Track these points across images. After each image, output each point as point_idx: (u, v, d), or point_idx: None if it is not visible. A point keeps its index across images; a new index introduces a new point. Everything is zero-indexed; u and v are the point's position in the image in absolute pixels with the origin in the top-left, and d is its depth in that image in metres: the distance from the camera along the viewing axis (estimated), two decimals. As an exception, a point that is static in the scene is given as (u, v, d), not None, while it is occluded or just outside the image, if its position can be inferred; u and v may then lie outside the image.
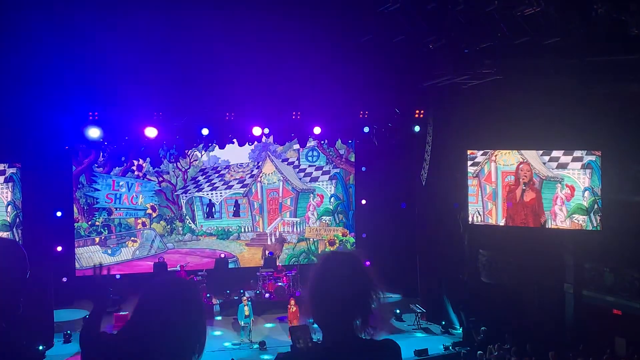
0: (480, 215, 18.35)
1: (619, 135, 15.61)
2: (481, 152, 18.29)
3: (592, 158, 16.62)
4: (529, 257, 17.47)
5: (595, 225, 16.64)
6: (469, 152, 18.46)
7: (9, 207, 16.13)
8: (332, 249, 23.58)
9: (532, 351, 15.42)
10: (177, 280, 2.73)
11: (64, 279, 20.04)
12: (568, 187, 17.07)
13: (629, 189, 16.03)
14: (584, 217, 16.84)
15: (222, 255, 22.49)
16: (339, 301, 2.76)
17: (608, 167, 16.35)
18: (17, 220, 16.32)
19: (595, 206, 16.60)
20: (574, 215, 17.02)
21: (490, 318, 17.31)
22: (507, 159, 17.94)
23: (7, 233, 15.95)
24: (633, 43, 12.18)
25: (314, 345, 2.98)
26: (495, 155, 18.12)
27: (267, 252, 22.76)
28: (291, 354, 3.48)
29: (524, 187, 17.80)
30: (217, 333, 17.81)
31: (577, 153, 16.91)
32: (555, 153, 17.29)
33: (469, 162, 18.41)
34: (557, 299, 17.54)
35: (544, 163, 17.39)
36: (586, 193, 16.76)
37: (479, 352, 15.72)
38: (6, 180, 16.13)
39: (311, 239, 23.75)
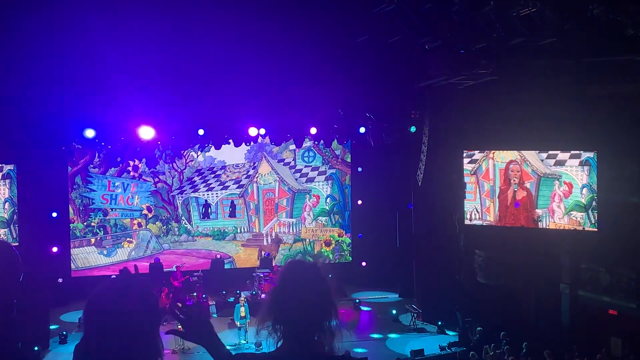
0: (478, 212, 18.36)
1: (614, 135, 15.62)
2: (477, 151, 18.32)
3: (590, 155, 16.61)
4: (525, 257, 17.47)
5: (593, 222, 16.65)
6: (465, 152, 18.47)
7: (7, 203, 16.12)
8: (328, 249, 23.61)
9: (528, 351, 15.44)
10: (120, 283, 2.52)
11: (60, 280, 20.02)
12: (566, 184, 17.08)
13: (625, 190, 16.03)
14: (582, 214, 16.85)
15: (218, 256, 22.46)
16: (299, 312, 2.71)
17: (604, 167, 16.36)
18: (15, 217, 16.30)
19: (594, 203, 16.60)
20: (571, 212, 17.04)
21: (486, 318, 17.33)
22: (505, 156, 17.95)
23: (4, 230, 15.94)
24: (629, 43, 12.18)
25: (268, 353, 2.88)
26: (493, 153, 18.12)
27: (263, 252, 22.76)
28: (247, 356, 3.25)
29: (516, 189, 17.84)
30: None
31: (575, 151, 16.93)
32: (552, 150, 17.29)
33: (467, 160, 18.41)
34: (553, 299, 17.53)
35: (542, 160, 17.39)
36: (584, 190, 16.76)
37: (471, 352, 15.70)
38: (3, 177, 16.10)
39: (307, 240, 23.74)
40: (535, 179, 17.53)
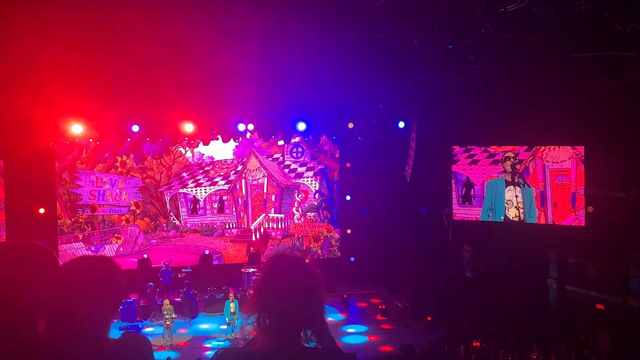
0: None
1: (602, 130, 15.68)
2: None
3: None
4: (512, 252, 17.54)
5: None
6: (453, 147, 18.52)
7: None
8: (316, 245, 23.60)
9: (515, 346, 15.49)
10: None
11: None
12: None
13: (612, 185, 16.12)
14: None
15: (207, 252, 22.42)
16: (284, 306, 2.65)
17: (592, 162, 16.43)
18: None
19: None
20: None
21: (474, 313, 17.37)
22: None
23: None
24: (616, 39, 12.23)
25: (253, 349, 2.75)
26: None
27: (251, 248, 22.72)
28: (230, 351, 3.09)
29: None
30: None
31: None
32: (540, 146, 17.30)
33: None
34: (540, 293, 17.62)
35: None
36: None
37: (460, 347, 15.74)
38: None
39: (296, 235, 23.73)
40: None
